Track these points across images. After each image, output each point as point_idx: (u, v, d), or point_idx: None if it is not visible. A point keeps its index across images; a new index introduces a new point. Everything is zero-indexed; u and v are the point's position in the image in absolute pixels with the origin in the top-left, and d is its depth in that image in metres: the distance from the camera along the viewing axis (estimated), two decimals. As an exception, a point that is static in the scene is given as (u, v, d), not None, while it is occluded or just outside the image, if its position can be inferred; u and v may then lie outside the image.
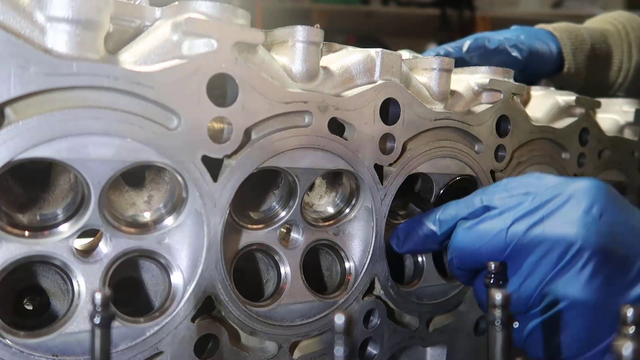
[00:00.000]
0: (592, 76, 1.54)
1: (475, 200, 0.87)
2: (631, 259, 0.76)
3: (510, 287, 0.80)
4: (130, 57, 0.70)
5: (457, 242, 0.86)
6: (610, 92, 1.61)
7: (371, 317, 0.93)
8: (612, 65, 1.58)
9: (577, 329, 0.77)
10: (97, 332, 0.53)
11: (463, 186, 1.03)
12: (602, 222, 0.76)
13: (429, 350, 1.04)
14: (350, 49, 0.93)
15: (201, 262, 0.75)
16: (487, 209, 0.85)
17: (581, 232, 0.76)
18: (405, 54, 1.16)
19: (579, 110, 1.22)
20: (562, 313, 0.76)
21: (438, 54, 1.43)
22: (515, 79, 1.08)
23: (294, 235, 0.88)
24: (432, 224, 0.91)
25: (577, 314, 0.76)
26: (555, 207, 0.79)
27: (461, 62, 1.42)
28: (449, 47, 1.44)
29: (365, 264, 0.91)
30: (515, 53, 1.40)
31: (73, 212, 0.71)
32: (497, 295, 0.58)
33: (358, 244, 0.92)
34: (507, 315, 0.58)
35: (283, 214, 0.86)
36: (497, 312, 0.58)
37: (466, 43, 1.40)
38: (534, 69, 1.45)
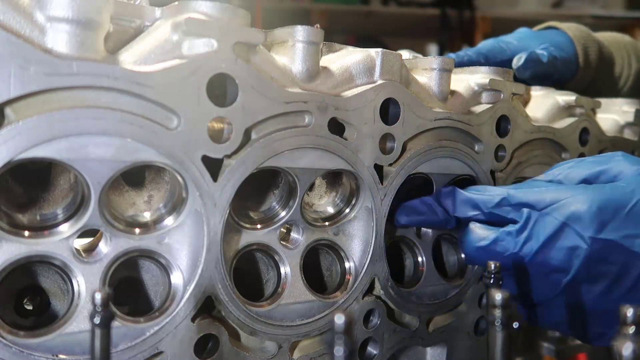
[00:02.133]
0: (597, 78, 1.54)
1: (486, 201, 0.91)
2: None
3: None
4: (130, 57, 0.70)
5: (469, 257, 0.93)
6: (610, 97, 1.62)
7: (371, 317, 0.93)
8: (614, 71, 1.59)
9: None
10: (97, 332, 0.53)
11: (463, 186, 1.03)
12: None
13: (429, 350, 1.04)
14: (350, 49, 0.93)
15: (201, 262, 0.75)
16: (499, 216, 0.89)
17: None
18: (405, 54, 1.16)
19: (579, 110, 1.22)
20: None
21: (467, 57, 1.39)
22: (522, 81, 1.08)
23: (294, 235, 0.88)
24: (445, 205, 0.94)
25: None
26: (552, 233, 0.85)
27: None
28: (473, 53, 1.41)
29: (365, 264, 0.91)
30: (559, 64, 1.41)
31: (73, 212, 0.71)
32: (497, 296, 0.58)
33: (358, 244, 0.92)
34: (507, 315, 0.58)
35: (283, 214, 0.86)
36: (497, 312, 0.58)
37: (519, 57, 1.35)
38: (560, 77, 1.46)
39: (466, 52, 1.41)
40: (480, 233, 0.90)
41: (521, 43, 1.42)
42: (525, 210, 0.87)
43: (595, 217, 0.82)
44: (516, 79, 1.08)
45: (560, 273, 0.84)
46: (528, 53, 1.36)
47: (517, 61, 1.35)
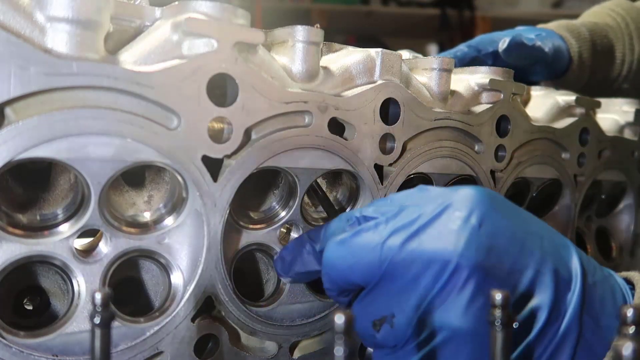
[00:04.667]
0: (596, 72, 1.53)
1: (354, 212, 0.77)
2: (516, 275, 0.64)
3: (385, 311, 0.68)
4: (130, 57, 0.70)
5: (327, 257, 0.72)
6: (615, 85, 1.59)
7: (371, 317, 0.93)
8: (615, 59, 1.55)
9: None
10: (97, 332, 0.53)
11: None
12: (482, 233, 0.64)
13: (429, 350, 1.04)
14: (350, 49, 0.93)
15: (201, 262, 0.75)
16: (365, 219, 0.74)
17: (458, 246, 0.63)
18: (405, 54, 1.16)
19: (579, 110, 1.22)
20: (441, 347, 0.63)
21: (460, 51, 1.40)
22: (520, 79, 1.08)
23: (294, 235, 0.88)
24: (316, 241, 0.80)
25: (459, 345, 0.63)
26: (432, 217, 0.66)
27: (477, 62, 1.41)
28: (465, 47, 1.41)
29: (365, 264, 0.91)
30: (547, 49, 1.39)
31: (73, 212, 0.71)
32: (497, 296, 0.58)
33: (358, 244, 0.92)
34: (507, 315, 0.58)
35: (283, 214, 0.86)
36: (497, 312, 0.58)
37: (504, 41, 1.36)
38: (555, 67, 1.44)
39: (459, 47, 1.41)
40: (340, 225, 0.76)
41: (511, 33, 1.42)
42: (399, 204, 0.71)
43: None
44: (516, 79, 1.08)
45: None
46: (512, 36, 1.36)
47: (502, 44, 1.36)
